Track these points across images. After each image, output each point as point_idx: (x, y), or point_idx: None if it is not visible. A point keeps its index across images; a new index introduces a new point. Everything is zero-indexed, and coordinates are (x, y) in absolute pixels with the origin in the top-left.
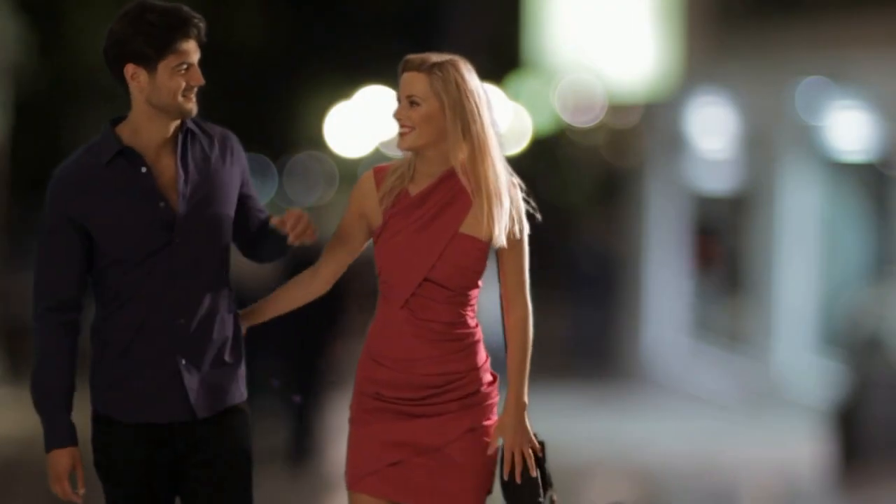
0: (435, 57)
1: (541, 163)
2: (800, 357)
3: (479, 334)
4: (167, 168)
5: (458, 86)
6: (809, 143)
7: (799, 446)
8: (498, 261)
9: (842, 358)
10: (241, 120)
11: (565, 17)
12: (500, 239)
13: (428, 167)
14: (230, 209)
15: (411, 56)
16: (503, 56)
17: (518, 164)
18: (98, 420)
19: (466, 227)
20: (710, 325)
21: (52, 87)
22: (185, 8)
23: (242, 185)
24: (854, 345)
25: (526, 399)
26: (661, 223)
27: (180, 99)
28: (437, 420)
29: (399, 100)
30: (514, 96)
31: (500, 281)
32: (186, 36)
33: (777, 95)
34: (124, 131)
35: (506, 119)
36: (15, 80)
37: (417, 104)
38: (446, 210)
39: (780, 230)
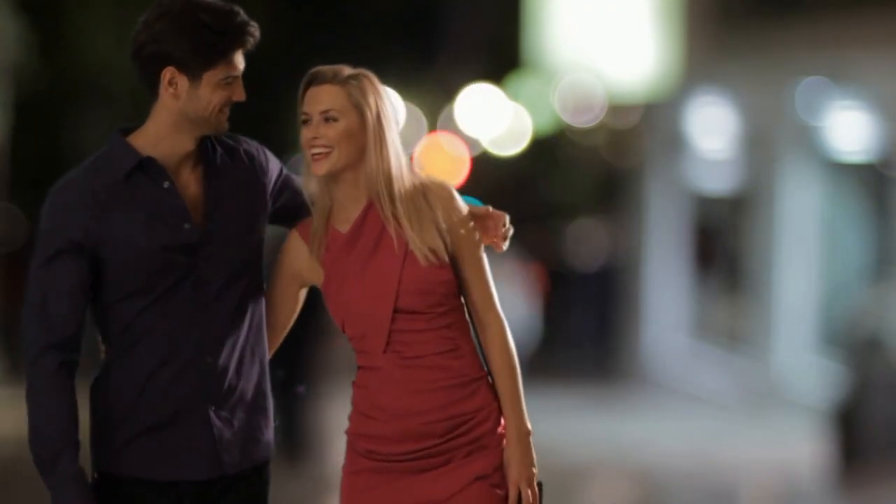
0: (347, 69)
1: (541, 163)
2: (800, 357)
3: (482, 364)
4: (188, 184)
5: (376, 96)
6: (809, 144)
7: (799, 446)
8: (458, 276)
9: (842, 358)
10: (241, 119)
11: (565, 17)
12: (431, 247)
13: (347, 193)
14: (260, 230)
15: (321, 68)
16: (503, 56)
17: (518, 164)
18: (103, 482)
19: (420, 253)
20: (710, 325)
21: (52, 87)
22: (242, 12)
23: (282, 197)
24: (854, 345)
25: (528, 425)
26: (661, 223)
27: (218, 114)
28: (442, 471)
29: (307, 118)
30: (514, 96)
31: (465, 299)
32: (241, 45)
33: (777, 95)
34: (139, 141)
35: (506, 119)
36: (15, 80)
37: (334, 119)
38: (385, 234)
39: (780, 230)
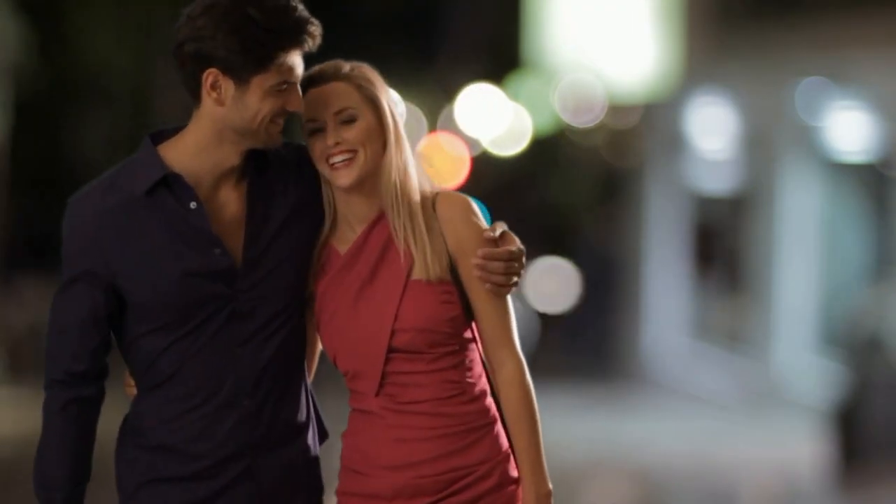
0: (344, 63)
1: (541, 163)
2: (800, 357)
3: (493, 408)
4: (228, 203)
5: (383, 88)
6: (809, 144)
7: (799, 446)
8: (471, 306)
9: (842, 358)
10: None
11: (565, 17)
12: (432, 268)
13: (358, 207)
14: (307, 256)
15: (319, 67)
16: (503, 56)
17: (518, 164)
18: None
19: (419, 272)
20: (710, 325)
21: (52, 87)
22: (301, 7)
23: None
24: (854, 345)
25: (549, 485)
26: (661, 223)
27: (269, 125)
28: None
29: (318, 126)
30: (514, 96)
31: (477, 332)
32: (297, 46)
33: (777, 96)
34: (173, 152)
35: (506, 119)
36: (15, 80)
37: (352, 119)
38: (385, 257)
39: (780, 230)
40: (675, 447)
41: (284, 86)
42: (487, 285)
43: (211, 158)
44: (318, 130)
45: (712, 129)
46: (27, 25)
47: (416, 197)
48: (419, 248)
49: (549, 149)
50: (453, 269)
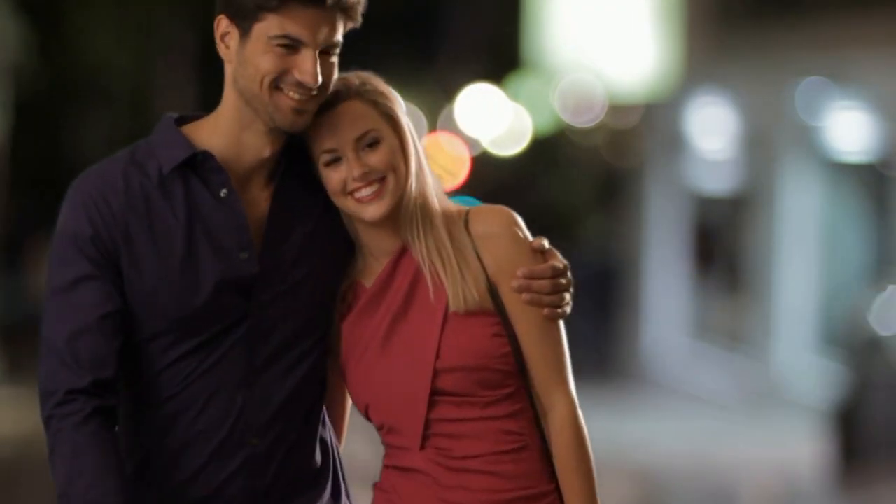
0: (353, 77)
1: (541, 163)
2: (800, 357)
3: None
4: (256, 204)
5: (396, 97)
6: (809, 144)
7: (799, 446)
8: (516, 338)
9: (842, 358)
10: None
11: (565, 17)
12: (468, 297)
13: (382, 238)
14: (333, 280)
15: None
16: (503, 56)
17: (518, 164)
18: None
19: (454, 302)
20: (710, 325)
21: (52, 87)
22: None
23: None
24: (854, 345)
25: None
26: (661, 223)
27: (271, 93)
28: None
29: (336, 155)
30: (514, 96)
31: (522, 367)
32: None
33: (777, 96)
34: (199, 132)
35: (506, 119)
36: (15, 80)
37: (376, 142)
38: (417, 288)
39: (780, 230)
40: (675, 447)
41: (288, 42)
42: (545, 311)
43: (239, 142)
44: (336, 160)
45: (712, 129)
46: (27, 25)
47: (439, 218)
48: (450, 276)
49: (549, 149)
50: (495, 297)
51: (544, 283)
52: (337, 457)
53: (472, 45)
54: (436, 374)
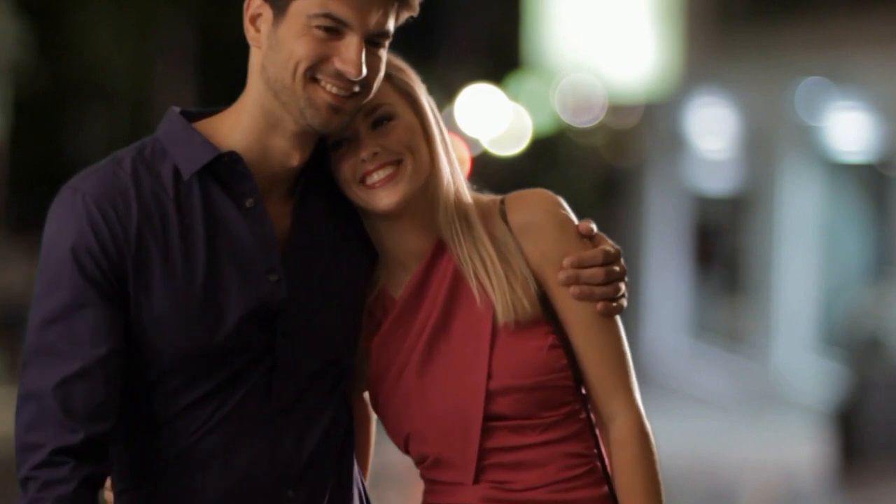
0: None
1: (541, 163)
2: (799, 357)
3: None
4: (278, 219)
5: (415, 76)
6: (809, 144)
7: (799, 446)
8: (570, 346)
9: (841, 358)
10: None
11: (565, 18)
12: (518, 308)
13: (409, 241)
14: (357, 299)
15: None
16: (503, 56)
17: (518, 164)
18: None
19: (503, 314)
20: (710, 325)
21: (52, 87)
22: None
23: None
24: (854, 345)
25: None
26: (661, 223)
27: (305, 85)
28: None
29: (347, 134)
30: (514, 96)
31: (579, 378)
32: None
33: (777, 96)
34: (216, 130)
35: (506, 119)
36: (15, 80)
37: (389, 118)
38: (457, 296)
39: (780, 230)
40: (674, 447)
41: (330, 22)
42: (599, 305)
43: (263, 144)
44: (344, 143)
45: (712, 130)
46: (27, 25)
47: (474, 212)
48: (496, 284)
49: (549, 149)
50: (544, 300)
51: (596, 272)
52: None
53: (472, 45)
54: (488, 397)
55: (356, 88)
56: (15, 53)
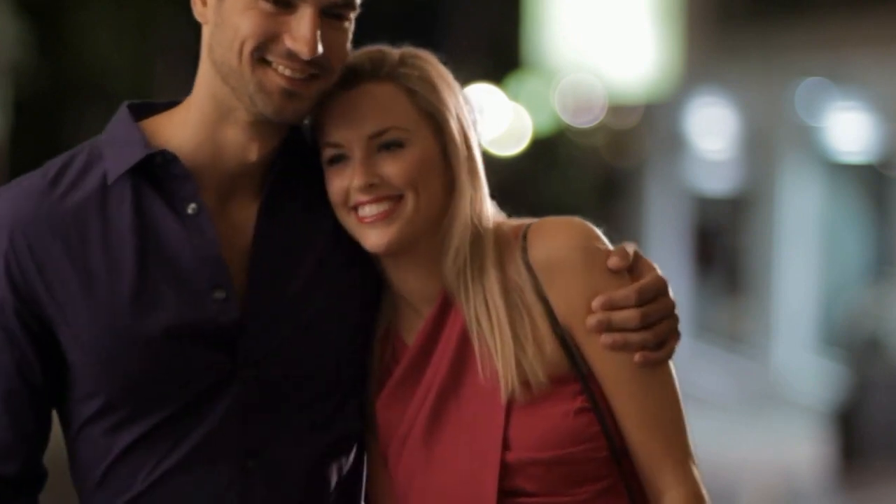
0: (391, 50)
1: (541, 163)
2: (799, 357)
3: None
4: (236, 226)
5: (451, 91)
6: (809, 144)
7: (799, 447)
8: (608, 405)
9: (841, 358)
10: None
11: (565, 18)
12: (532, 377)
13: (415, 283)
14: (365, 312)
15: (353, 58)
16: (503, 56)
17: (518, 164)
18: None
19: (510, 388)
20: (710, 325)
21: (52, 87)
22: None
23: None
24: (853, 345)
25: None
26: (661, 223)
27: (254, 68)
28: None
29: (341, 152)
30: (514, 96)
31: (618, 445)
32: None
33: (777, 96)
34: (164, 127)
35: (506, 119)
36: (15, 80)
37: (399, 145)
38: (467, 352)
39: (780, 230)
40: None
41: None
42: (637, 356)
43: (214, 139)
44: (341, 158)
45: (712, 130)
46: (27, 25)
47: (489, 251)
48: (500, 349)
49: (549, 149)
50: (571, 352)
51: (629, 315)
52: None
53: (472, 45)
54: (505, 470)
55: (313, 70)
56: (15, 53)
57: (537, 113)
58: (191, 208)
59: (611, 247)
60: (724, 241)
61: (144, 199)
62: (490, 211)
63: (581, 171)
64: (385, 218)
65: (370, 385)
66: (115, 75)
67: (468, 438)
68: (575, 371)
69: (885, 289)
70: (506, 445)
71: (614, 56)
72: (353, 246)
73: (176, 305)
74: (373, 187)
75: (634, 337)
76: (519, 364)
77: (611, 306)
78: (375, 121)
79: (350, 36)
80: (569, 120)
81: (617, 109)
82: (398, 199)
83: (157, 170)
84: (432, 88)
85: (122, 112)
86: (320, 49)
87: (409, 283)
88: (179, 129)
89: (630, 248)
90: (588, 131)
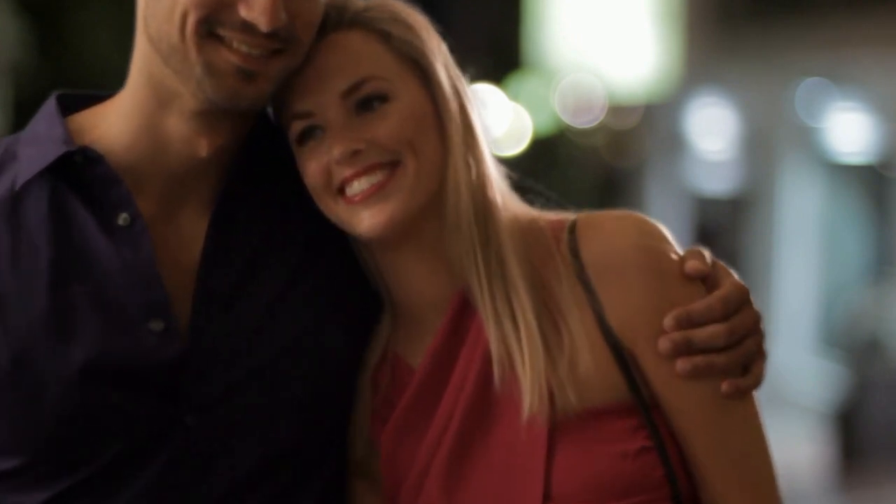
0: (358, 1)
1: (541, 163)
2: (799, 358)
3: None
4: (182, 239)
5: (434, 37)
6: (809, 145)
7: (798, 447)
8: (675, 443)
9: (841, 359)
10: None
11: (565, 18)
12: (565, 400)
13: (424, 283)
14: (350, 344)
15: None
16: (503, 56)
17: (518, 164)
18: None
19: (535, 408)
20: None
21: (52, 87)
22: None
23: None
24: (853, 346)
25: None
26: (661, 223)
27: (200, 45)
28: None
29: (314, 123)
30: (514, 96)
31: (686, 492)
32: None
33: (777, 96)
34: (96, 124)
35: (506, 119)
36: (15, 80)
37: (383, 98)
38: (488, 378)
39: (780, 231)
40: None
41: None
42: (724, 385)
43: (153, 132)
44: (313, 131)
45: (712, 130)
46: (27, 25)
47: (511, 243)
48: (527, 362)
49: (549, 149)
50: (630, 375)
51: (715, 332)
52: None
53: (472, 45)
54: None
55: (275, 45)
56: (15, 53)
57: (537, 113)
58: (122, 219)
59: (679, 248)
60: (724, 242)
61: (65, 208)
62: (506, 193)
63: (581, 171)
64: (379, 190)
65: (362, 424)
66: (115, 75)
67: (500, 482)
68: (634, 399)
69: (885, 289)
70: (547, 493)
71: (614, 56)
72: (340, 257)
73: (100, 337)
74: (358, 155)
75: (720, 360)
76: (555, 384)
77: (690, 322)
78: (348, 73)
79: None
80: (569, 120)
81: (617, 109)
82: (393, 166)
83: (81, 173)
84: (408, 28)
85: (48, 104)
86: (283, 17)
87: (416, 282)
88: (113, 122)
89: (704, 254)
90: (588, 131)
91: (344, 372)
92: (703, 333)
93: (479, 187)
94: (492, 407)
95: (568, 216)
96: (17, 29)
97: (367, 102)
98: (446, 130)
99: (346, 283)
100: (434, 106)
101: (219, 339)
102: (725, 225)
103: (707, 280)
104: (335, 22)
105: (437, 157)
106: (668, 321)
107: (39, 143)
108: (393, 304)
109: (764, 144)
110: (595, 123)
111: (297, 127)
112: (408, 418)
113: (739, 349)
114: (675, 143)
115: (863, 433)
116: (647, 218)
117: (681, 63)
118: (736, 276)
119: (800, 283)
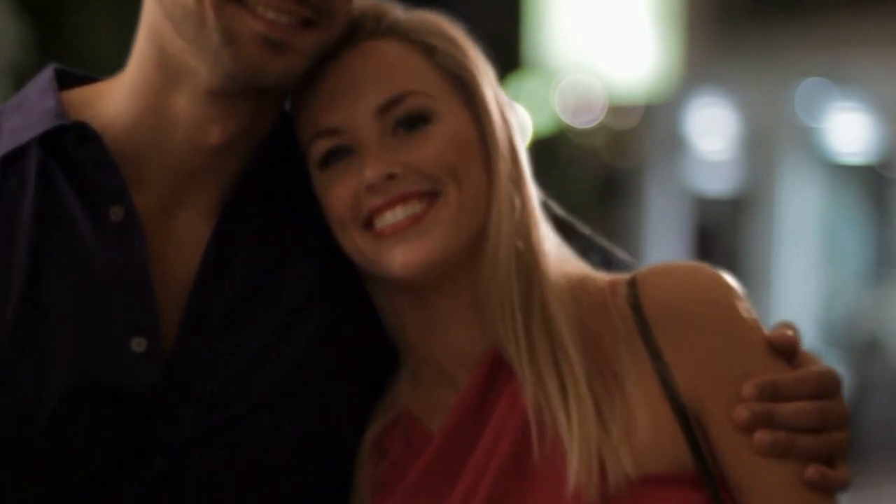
0: (394, 6)
1: (541, 163)
2: None
3: None
4: (178, 244)
5: (478, 56)
6: (809, 145)
7: None
8: None
9: (841, 359)
10: None
11: (565, 18)
12: (616, 472)
13: (452, 335)
14: (354, 395)
15: (358, 8)
16: (503, 56)
17: None
18: None
19: (584, 481)
20: None
21: None
22: None
23: None
24: (853, 346)
25: None
26: (661, 223)
27: (220, 8)
28: None
29: (345, 140)
30: (514, 96)
31: None
32: None
33: (777, 97)
34: (94, 101)
35: None
36: (15, 80)
37: (427, 121)
38: (533, 439)
39: (780, 231)
40: None
41: None
42: (810, 470)
43: (157, 114)
44: (340, 152)
45: (712, 130)
46: (27, 25)
47: (557, 293)
48: (577, 431)
49: (549, 149)
50: (696, 442)
51: (804, 409)
52: None
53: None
54: None
55: (307, 13)
56: (15, 53)
57: (537, 113)
58: (114, 212)
59: (752, 313)
60: (724, 242)
61: (53, 195)
62: (553, 240)
63: (581, 171)
64: (417, 223)
65: (364, 495)
66: (115, 75)
67: None
68: (701, 471)
69: (885, 289)
70: None
71: (614, 56)
72: (355, 297)
73: (77, 351)
74: (393, 180)
75: (805, 441)
76: (607, 452)
77: (775, 394)
78: (385, 86)
79: None
80: (569, 120)
81: (617, 109)
82: (432, 196)
83: (74, 152)
84: (455, 45)
85: (44, 74)
86: None
87: (443, 335)
88: (114, 100)
89: (792, 324)
90: (588, 131)
91: (346, 435)
92: (788, 409)
93: (524, 231)
94: (528, 477)
95: (621, 275)
96: (17, 29)
97: (407, 122)
98: (492, 163)
99: (359, 327)
100: (480, 133)
101: (201, 375)
102: (725, 225)
103: (790, 358)
104: (370, 30)
105: (482, 191)
106: (748, 388)
107: (27, 113)
108: (412, 357)
109: (764, 144)
110: (595, 123)
111: (320, 147)
112: (423, 484)
113: (824, 437)
114: (674, 143)
115: (863, 433)
116: (719, 271)
117: (681, 63)
118: (822, 361)
119: (800, 284)
